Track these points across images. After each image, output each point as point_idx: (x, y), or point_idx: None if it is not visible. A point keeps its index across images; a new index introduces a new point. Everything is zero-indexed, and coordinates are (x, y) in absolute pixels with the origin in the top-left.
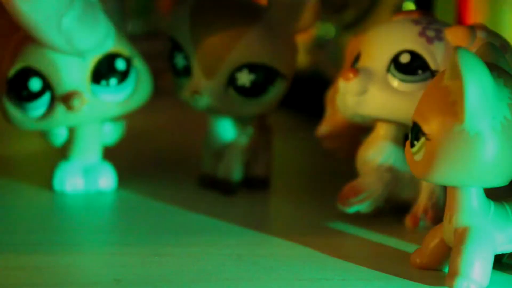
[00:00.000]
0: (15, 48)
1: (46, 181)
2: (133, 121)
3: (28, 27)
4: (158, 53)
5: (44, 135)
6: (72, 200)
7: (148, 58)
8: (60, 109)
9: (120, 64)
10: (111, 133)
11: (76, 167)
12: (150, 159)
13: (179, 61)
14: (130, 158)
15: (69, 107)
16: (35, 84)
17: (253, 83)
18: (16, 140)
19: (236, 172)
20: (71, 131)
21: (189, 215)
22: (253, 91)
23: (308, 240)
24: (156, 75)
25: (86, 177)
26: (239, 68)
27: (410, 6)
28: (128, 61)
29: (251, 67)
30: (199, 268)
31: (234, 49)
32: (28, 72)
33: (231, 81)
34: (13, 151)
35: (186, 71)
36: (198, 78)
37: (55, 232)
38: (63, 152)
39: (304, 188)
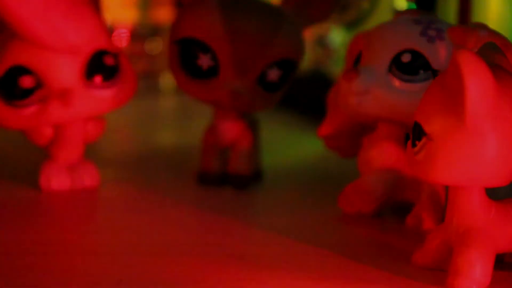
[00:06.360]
0: (1, 48)
1: (31, 180)
2: (133, 120)
3: (16, 25)
4: (158, 53)
5: (28, 134)
6: (68, 199)
7: (148, 58)
8: (53, 105)
9: (109, 60)
10: (93, 131)
11: (61, 166)
12: (149, 158)
13: (205, 62)
14: (130, 157)
15: (65, 103)
16: (26, 81)
17: (280, 78)
18: (4, 139)
19: (248, 166)
20: (56, 130)
21: (190, 215)
22: (278, 86)
23: (309, 240)
24: (156, 75)
25: (70, 175)
26: (271, 65)
27: (402, 2)
28: (116, 57)
29: (280, 63)
30: (200, 268)
31: (269, 46)
32: (19, 70)
33: (261, 78)
34: (1, 150)
35: (212, 72)
36: (228, 78)
37: (55, 232)
38: (47, 151)
39: (305, 188)
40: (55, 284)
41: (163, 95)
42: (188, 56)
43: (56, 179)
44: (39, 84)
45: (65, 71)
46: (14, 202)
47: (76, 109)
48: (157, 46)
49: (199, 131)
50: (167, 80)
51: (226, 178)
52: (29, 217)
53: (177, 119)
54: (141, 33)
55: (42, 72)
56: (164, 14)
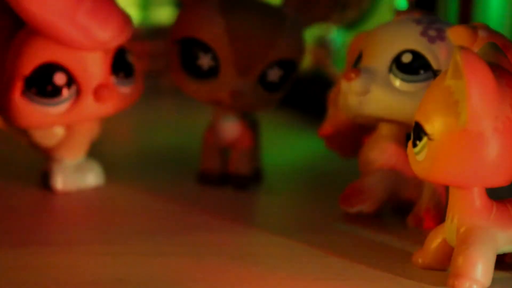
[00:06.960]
0: (25, 45)
1: (35, 181)
2: (133, 120)
3: (43, 28)
4: (158, 53)
5: (33, 137)
6: (68, 199)
7: (148, 58)
8: (86, 102)
9: (129, 57)
10: (96, 130)
11: (67, 165)
12: (150, 158)
13: (205, 62)
14: (130, 157)
15: (100, 99)
16: (60, 78)
17: (281, 79)
18: (6, 140)
19: (248, 167)
20: (68, 130)
21: (190, 215)
22: (278, 86)
23: (310, 240)
24: (156, 75)
25: (75, 175)
26: (271, 65)
27: (402, 2)
28: (132, 55)
29: (281, 64)
30: (200, 268)
31: (271, 46)
32: (51, 67)
33: (262, 78)
34: (2, 150)
35: (212, 72)
36: (228, 78)
37: (55, 232)
38: (51, 153)
39: (305, 188)
40: (55, 283)
41: (163, 95)
42: (188, 56)
43: (63, 180)
44: (70, 81)
45: (96, 67)
46: (17, 202)
47: (108, 105)
48: (157, 46)
49: (199, 131)
50: (167, 80)
51: (226, 178)
52: (30, 217)
53: (177, 119)
54: (141, 33)
55: (73, 69)
56: (164, 14)
